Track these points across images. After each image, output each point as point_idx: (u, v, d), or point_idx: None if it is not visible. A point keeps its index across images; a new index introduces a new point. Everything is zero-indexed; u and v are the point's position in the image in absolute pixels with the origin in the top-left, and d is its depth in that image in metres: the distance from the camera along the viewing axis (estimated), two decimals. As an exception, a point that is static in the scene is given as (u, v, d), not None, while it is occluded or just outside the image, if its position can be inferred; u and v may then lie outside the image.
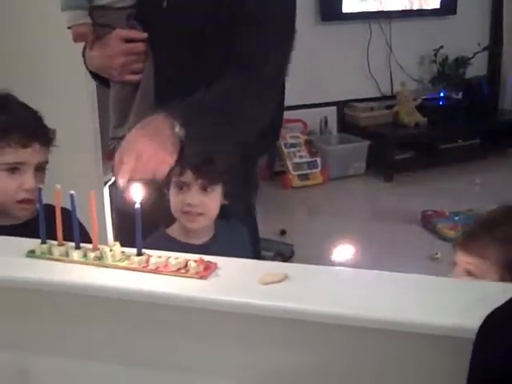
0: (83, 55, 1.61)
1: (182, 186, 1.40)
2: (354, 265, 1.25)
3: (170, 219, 1.45)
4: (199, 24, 1.44)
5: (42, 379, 1.16)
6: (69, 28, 1.49)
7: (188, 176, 1.38)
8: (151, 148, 1.25)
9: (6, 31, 2.89)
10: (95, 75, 1.59)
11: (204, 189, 1.39)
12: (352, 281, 1.07)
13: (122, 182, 1.23)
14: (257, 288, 1.01)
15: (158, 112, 1.30)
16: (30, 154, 1.41)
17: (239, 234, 1.52)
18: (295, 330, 1.00)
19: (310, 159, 4.50)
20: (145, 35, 1.46)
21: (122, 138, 1.51)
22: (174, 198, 1.41)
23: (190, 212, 1.40)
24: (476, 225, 1.28)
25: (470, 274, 1.21)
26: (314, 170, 4.49)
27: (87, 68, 1.60)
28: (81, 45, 1.57)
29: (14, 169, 1.41)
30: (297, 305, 0.98)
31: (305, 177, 4.46)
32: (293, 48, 1.49)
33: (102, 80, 1.59)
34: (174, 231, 1.46)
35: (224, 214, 1.46)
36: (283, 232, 3.62)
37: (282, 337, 1.02)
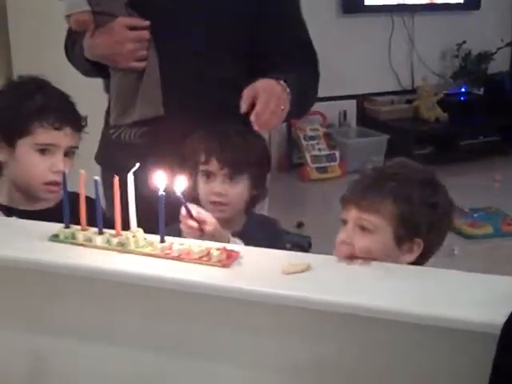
0: (66, 47, 1.63)
1: (208, 175, 1.41)
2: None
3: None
4: (203, 11, 1.47)
5: (57, 362, 1.17)
6: (67, 16, 1.49)
7: (213, 165, 1.39)
8: (279, 94, 1.37)
9: (38, 24, 2.93)
10: (88, 64, 1.57)
11: (230, 178, 1.40)
12: (374, 273, 1.07)
13: (261, 122, 1.33)
14: (279, 277, 1.01)
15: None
16: (61, 137, 1.43)
17: (268, 225, 1.52)
18: (317, 320, 1.00)
19: (328, 152, 4.48)
20: (147, 23, 1.48)
21: (127, 125, 1.53)
22: (202, 188, 1.42)
23: (215, 202, 1.40)
24: (368, 181, 1.28)
25: (363, 229, 1.22)
26: (332, 163, 4.47)
27: (69, 59, 1.62)
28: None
29: (44, 150, 1.43)
30: (319, 295, 0.98)
31: (323, 169, 4.44)
32: None
33: (97, 69, 1.57)
34: None
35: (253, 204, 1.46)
36: (300, 224, 3.61)
37: (302, 326, 1.02)
